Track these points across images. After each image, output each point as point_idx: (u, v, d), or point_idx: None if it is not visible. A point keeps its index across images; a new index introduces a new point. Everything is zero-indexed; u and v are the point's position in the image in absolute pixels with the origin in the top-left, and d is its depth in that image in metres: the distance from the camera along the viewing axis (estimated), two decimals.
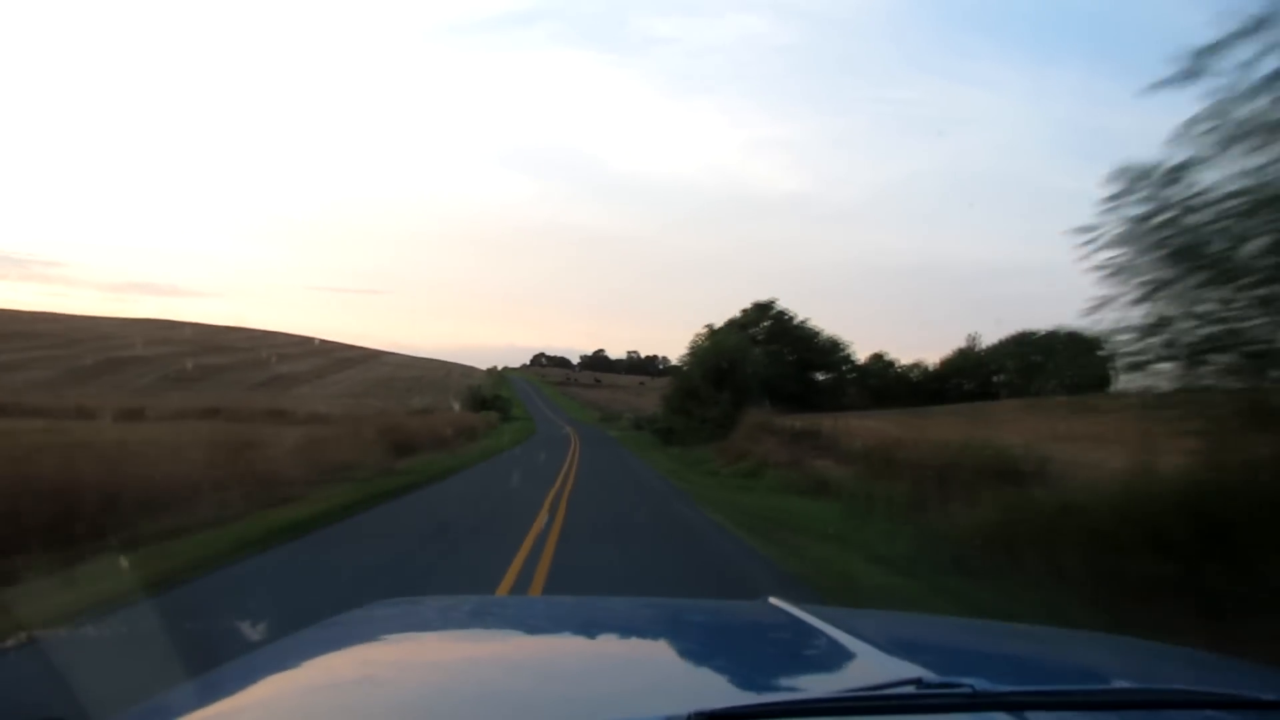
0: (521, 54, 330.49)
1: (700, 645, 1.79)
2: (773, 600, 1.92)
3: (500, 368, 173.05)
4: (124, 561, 6.99)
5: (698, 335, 39.76)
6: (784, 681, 1.52)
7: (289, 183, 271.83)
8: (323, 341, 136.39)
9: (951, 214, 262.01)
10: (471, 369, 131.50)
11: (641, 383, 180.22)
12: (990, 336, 68.95)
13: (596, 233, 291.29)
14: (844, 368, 63.70)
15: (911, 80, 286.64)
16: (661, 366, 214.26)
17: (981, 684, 1.05)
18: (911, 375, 69.13)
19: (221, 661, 1.44)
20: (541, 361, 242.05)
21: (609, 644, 1.84)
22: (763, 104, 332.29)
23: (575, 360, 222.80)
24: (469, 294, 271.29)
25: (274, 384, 77.56)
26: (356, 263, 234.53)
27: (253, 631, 4.72)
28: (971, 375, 65.76)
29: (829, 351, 61.34)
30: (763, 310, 56.16)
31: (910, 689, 1.07)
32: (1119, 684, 1.39)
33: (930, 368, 69.67)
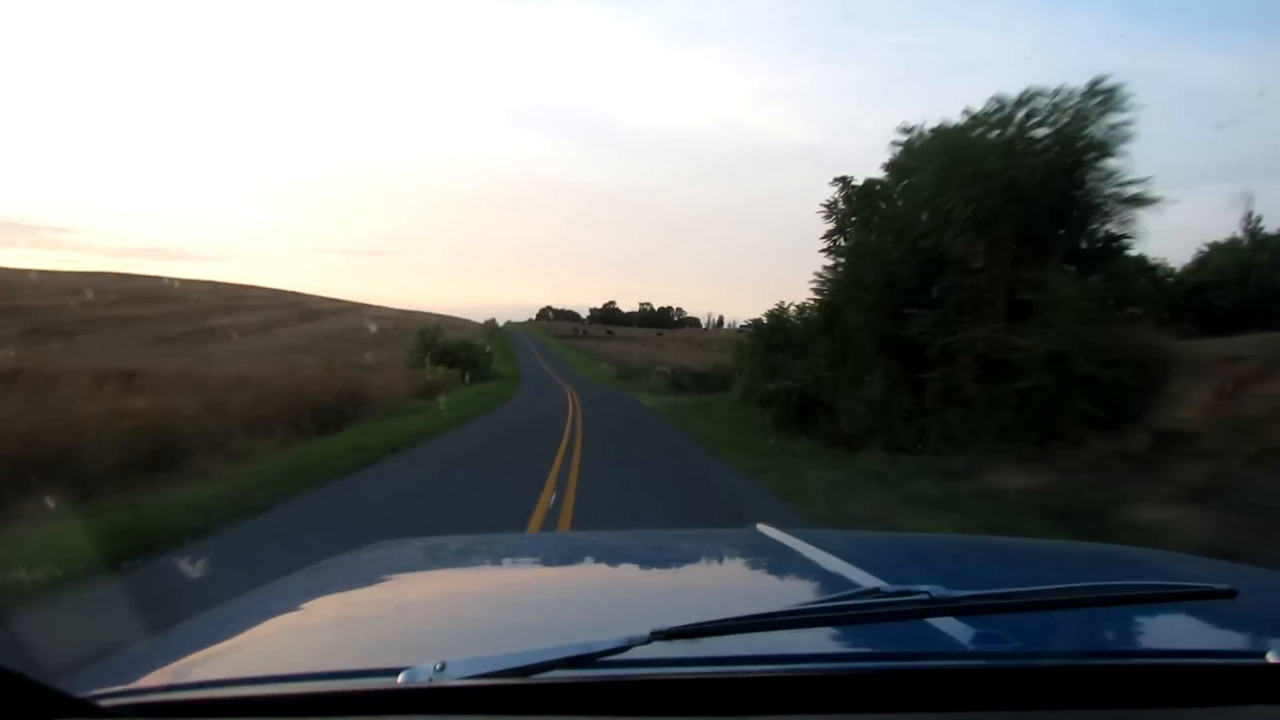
0: (527, 8, 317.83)
1: (684, 571, 1.90)
2: (760, 527, 1.96)
3: (505, 322, 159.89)
4: None
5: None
6: (750, 600, 1.55)
7: (297, 145, 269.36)
8: (295, 294, 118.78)
9: None
10: (466, 322, 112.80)
11: (659, 334, 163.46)
12: None
13: (605, 188, 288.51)
14: None
15: (920, 26, 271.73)
16: (676, 318, 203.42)
17: (938, 590, 1.05)
18: None
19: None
20: (548, 315, 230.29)
21: (590, 575, 1.86)
22: (771, 53, 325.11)
23: (585, 314, 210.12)
24: (478, 253, 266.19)
25: (191, 338, 59.86)
26: (365, 224, 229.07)
27: None
28: None
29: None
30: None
31: (869, 599, 1.09)
32: (1069, 583, 1.36)
33: None
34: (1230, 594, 1.10)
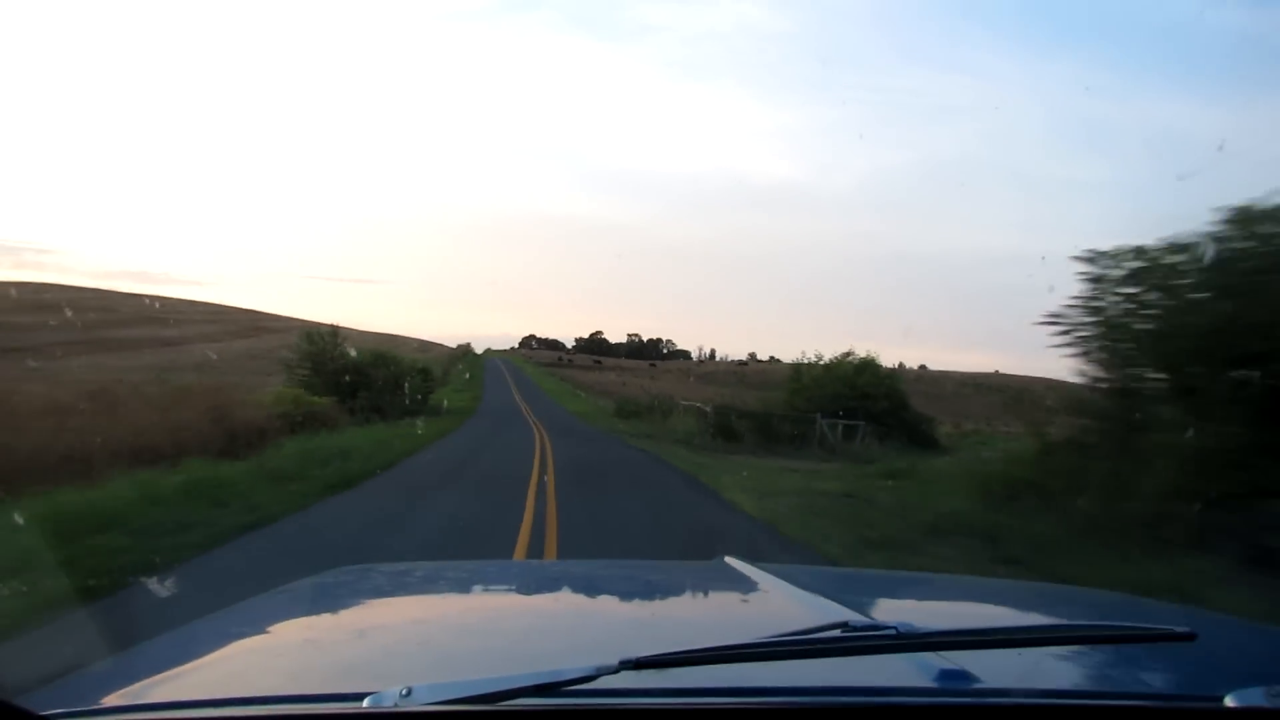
0: (515, 42, 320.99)
1: (650, 602, 1.89)
2: (728, 559, 1.95)
3: (484, 349, 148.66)
4: None
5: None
6: (718, 631, 1.55)
7: (285, 171, 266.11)
8: (253, 312, 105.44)
9: (944, 202, 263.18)
10: (440, 346, 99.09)
11: (652, 364, 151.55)
12: None
13: (590, 221, 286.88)
14: None
15: (899, 70, 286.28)
16: (666, 350, 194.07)
17: (906, 626, 1.06)
18: None
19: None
20: (531, 344, 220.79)
21: (558, 603, 1.83)
22: (758, 92, 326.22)
23: (570, 344, 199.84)
24: (462, 283, 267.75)
25: (73, 348, 46.56)
26: (351, 253, 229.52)
27: None
28: None
29: None
30: None
31: (836, 633, 1.09)
32: (1035, 622, 1.44)
33: None
34: (1189, 637, 1.13)
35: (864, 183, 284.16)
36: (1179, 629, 1.13)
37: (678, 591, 1.98)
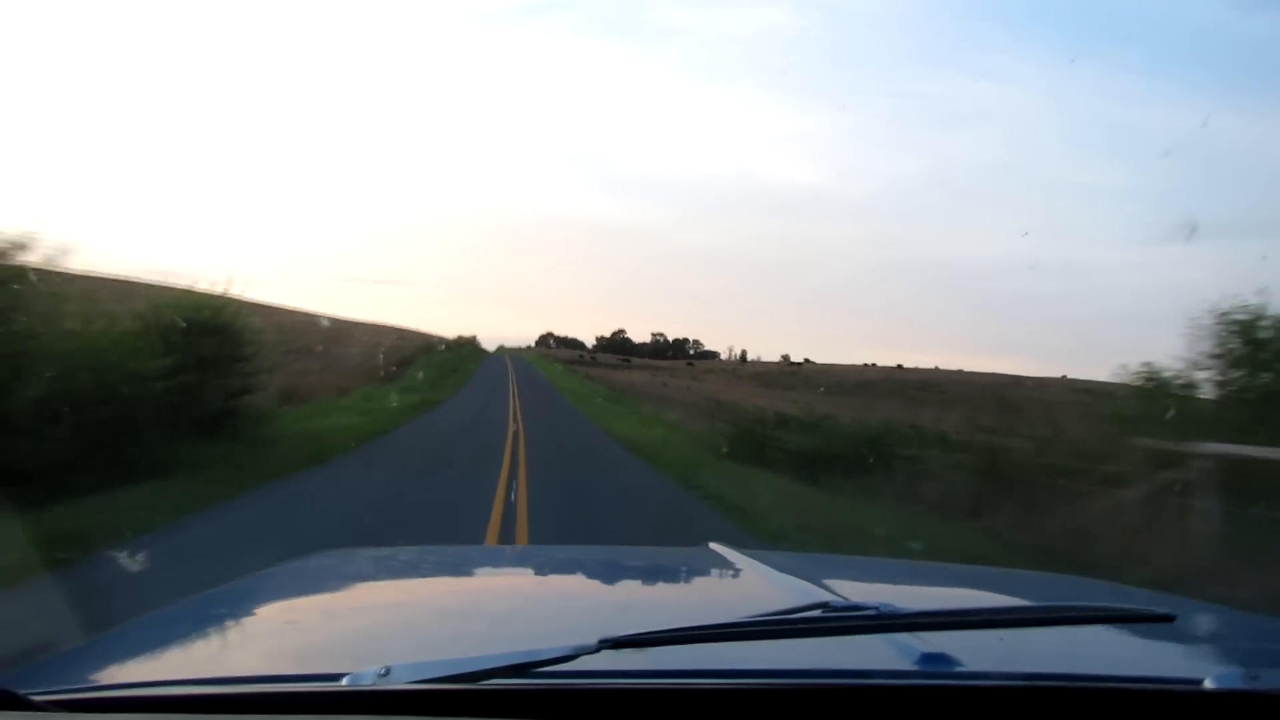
0: (535, 45, 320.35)
1: (633, 585, 1.92)
2: (712, 545, 1.95)
3: (497, 347, 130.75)
4: None
5: None
6: (698, 613, 1.55)
7: (306, 172, 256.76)
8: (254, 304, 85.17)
9: (966, 208, 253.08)
10: (423, 335, 78.94)
11: (689, 363, 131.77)
12: None
13: (610, 223, 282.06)
14: None
15: (925, 75, 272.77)
16: (694, 350, 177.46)
17: (887, 607, 1.07)
18: None
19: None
20: (549, 343, 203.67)
21: (540, 587, 1.85)
22: (780, 96, 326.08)
23: (590, 343, 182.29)
24: (481, 284, 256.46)
25: None
26: (376, 254, 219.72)
27: None
28: None
29: None
30: None
31: (816, 613, 1.10)
32: (1015, 604, 1.46)
33: None
34: (1168, 619, 1.17)
35: (884, 187, 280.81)
36: (1158, 610, 1.18)
37: (660, 575, 1.98)
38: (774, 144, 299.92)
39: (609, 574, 1.97)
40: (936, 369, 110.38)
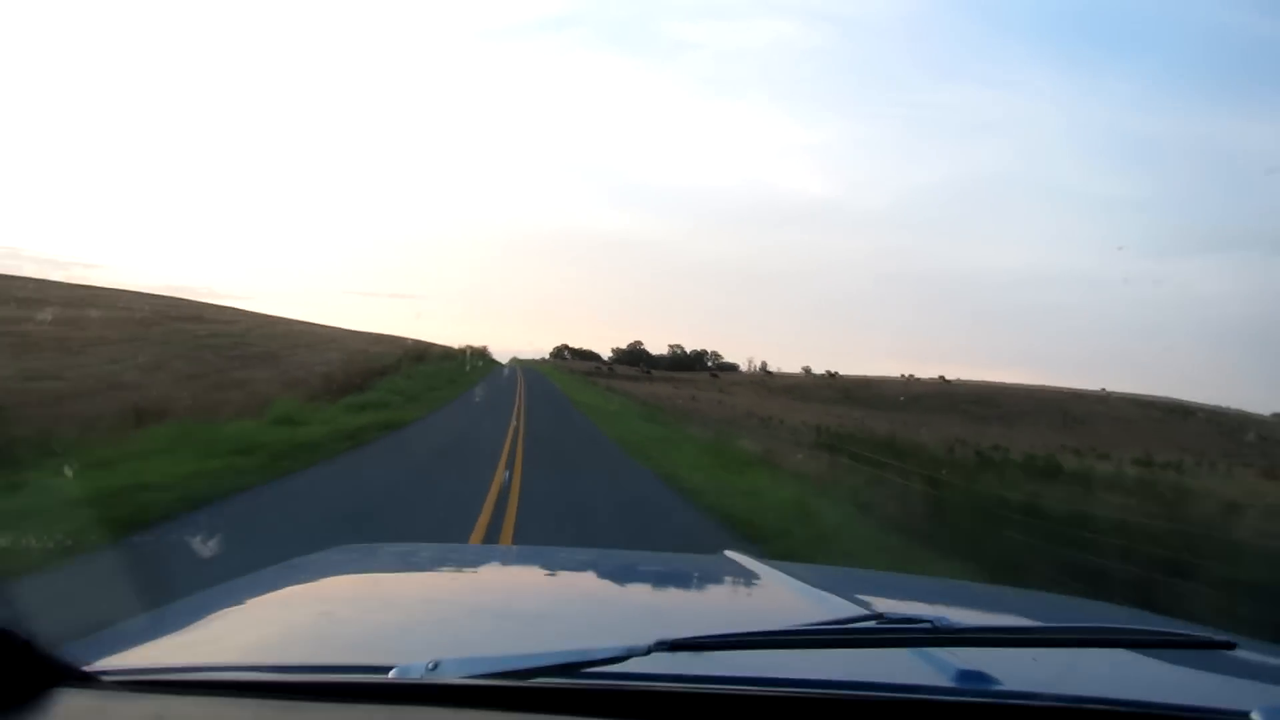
0: (550, 60, 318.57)
1: (661, 589, 1.88)
2: (728, 553, 1.94)
3: (510, 359, 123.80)
4: None
5: None
6: (740, 619, 1.57)
7: (325, 188, 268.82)
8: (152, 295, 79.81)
9: (981, 219, 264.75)
10: (425, 344, 70.74)
11: (714, 375, 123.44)
12: None
13: (624, 236, 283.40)
14: None
15: (937, 86, 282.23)
16: (712, 363, 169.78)
17: (941, 621, 1.05)
18: None
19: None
20: (564, 355, 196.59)
21: (568, 588, 1.82)
22: (791, 109, 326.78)
23: (606, 355, 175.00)
24: (494, 297, 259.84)
25: None
26: (389, 268, 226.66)
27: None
28: None
29: None
30: None
31: (872, 623, 1.09)
32: (1064, 624, 1.40)
33: None
34: (1229, 645, 1.13)
35: (898, 199, 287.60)
36: (1218, 637, 1.15)
37: (689, 580, 1.95)
38: (787, 156, 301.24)
39: (634, 578, 1.97)
40: (986, 382, 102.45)
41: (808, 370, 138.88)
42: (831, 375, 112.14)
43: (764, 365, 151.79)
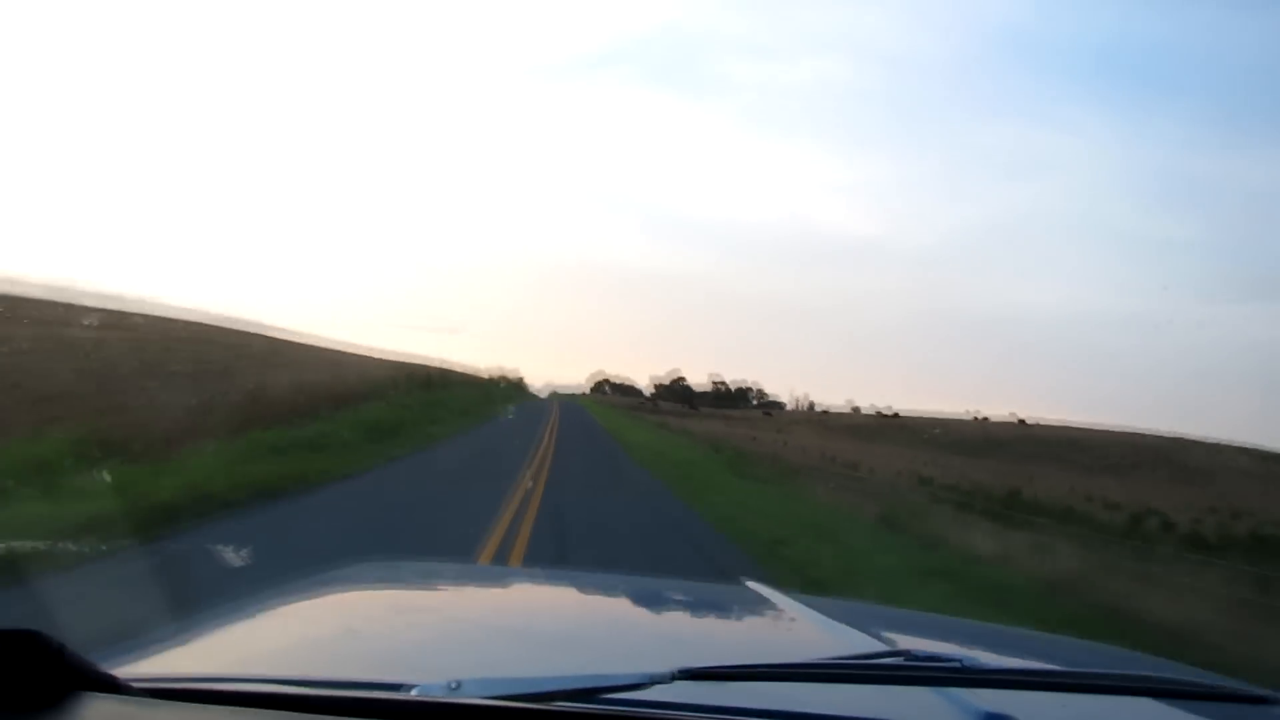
0: (593, 96, 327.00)
1: (681, 616, 1.88)
2: (748, 583, 1.93)
3: (550, 392, 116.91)
4: None
5: None
6: (768, 650, 1.55)
7: (367, 223, 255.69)
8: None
9: (1031, 260, 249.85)
10: (448, 371, 62.63)
11: (767, 413, 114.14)
12: None
13: (666, 270, 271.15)
14: None
15: (989, 124, 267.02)
16: (756, 400, 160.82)
17: (970, 660, 1.04)
18: None
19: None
20: (604, 389, 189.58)
21: (589, 611, 1.82)
22: (835, 146, 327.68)
23: (647, 390, 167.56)
24: (537, 330, 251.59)
25: None
26: (436, 302, 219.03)
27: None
28: None
29: None
30: None
31: (899, 660, 1.07)
32: (1110, 669, 1.38)
33: None
34: (1266, 700, 1.09)
35: (943, 238, 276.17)
36: (1256, 691, 1.11)
37: (710, 609, 1.94)
38: (830, 193, 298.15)
39: (654, 603, 1.94)
40: (1068, 425, 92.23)
41: (856, 408, 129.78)
42: (892, 415, 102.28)
43: (810, 402, 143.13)
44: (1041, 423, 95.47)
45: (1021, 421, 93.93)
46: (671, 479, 15.65)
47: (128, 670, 0.96)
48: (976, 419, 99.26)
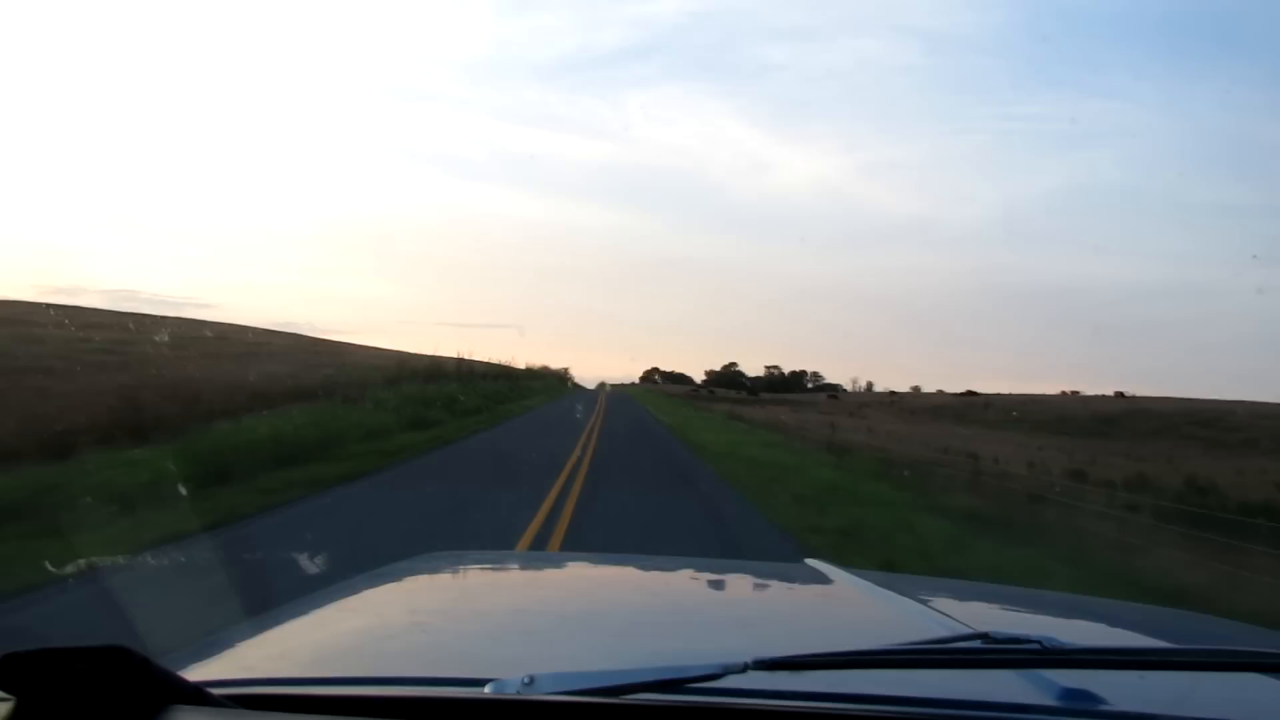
0: (634, 89, 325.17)
1: (748, 600, 1.82)
2: (810, 561, 1.93)
3: (599, 383, 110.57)
4: None
5: None
6: (841, 633, 1.49)
7: (419, 223, 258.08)
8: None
9: (1085, 232, 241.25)
10: (469, 362, 55.77)
11: (832, 396, 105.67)
12: None
13: (713, 262, 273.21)
14: None
15: (1036, 96, 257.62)
16: (811, 384, 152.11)
17: (1051, 641, 0.99)
18: None
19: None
20: (655, 379, 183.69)
21: (655, 598, 1.77)
22: (880, 126, 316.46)
23: (698, 378, 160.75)
24: (586, 326, 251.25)
25: None
26: (483, 300, 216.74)
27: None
28: None
29: None
30: None
31: (977, 643, 1.04)
32: (1193, 646, 1.31)
33: None
34: None
35: (994, 214, 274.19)
36: None
37: (777, 591, 1.90)
38: (876, 173, 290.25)
39: (719, 587, 1.91)
40: (1189, 398, 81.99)
41: (916, 388, 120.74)
42: (972, 394, 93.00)
43: (869, 385, 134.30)
44: (1141, 395, 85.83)
45: (1120, 395, 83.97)
46: (820, 531, 8.11)
47: (207, 673, 0.97)
48: (1067, 394, 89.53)
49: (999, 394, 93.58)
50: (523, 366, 61.17)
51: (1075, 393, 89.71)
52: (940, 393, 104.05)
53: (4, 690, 0.81)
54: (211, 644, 1.21)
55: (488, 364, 47.31)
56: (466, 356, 38.35)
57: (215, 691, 0.91)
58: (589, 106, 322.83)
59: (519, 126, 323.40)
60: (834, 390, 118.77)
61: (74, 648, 0.80)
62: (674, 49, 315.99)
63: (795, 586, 1.87)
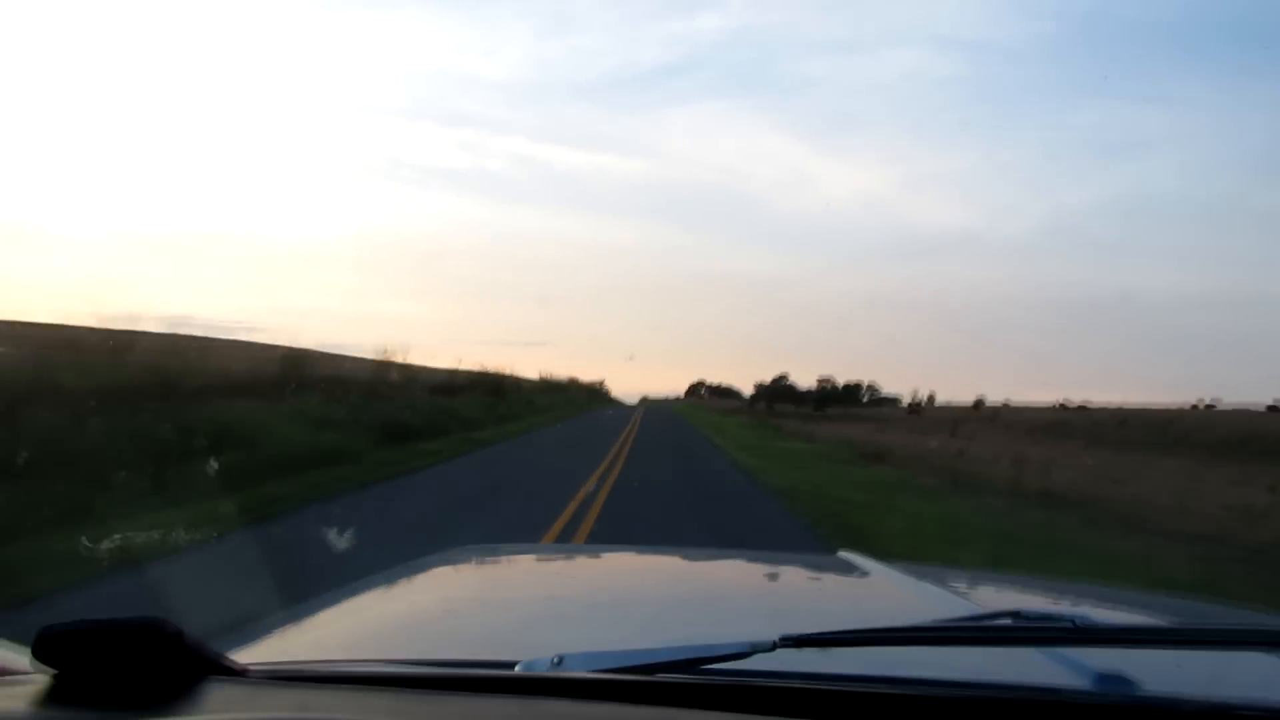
0: (674, 106, 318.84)
1: (779, 587, 1.85)
2: (842, 554, 1.92)
3: (640, 398, 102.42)
4: None
5: None
6: (871, 615, 1.50)
7: (463, 244, 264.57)
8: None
9: (1137, 241, 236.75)
10: (461, 372, 47.98)
11: (913, 411, 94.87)
12: None
13: (758, 276, 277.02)
14: None
15: (1085, 104, 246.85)
16: (867, 397, 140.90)
17: (1083, 619, 0.99)
18: None
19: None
20: (700, 392, 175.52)
21: (686, 586, 1.82)
22: (923, 138, 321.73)
23: (747, 392, 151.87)
24: (626, 342, 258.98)
25: None
26: (521, 318, 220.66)
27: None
28: None
29: None
30: None
31: (1008, 621, 1.05)
32: (1227, 625, 1.32)
33: None
34: None
35: (1040, 224, 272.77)
36: None
37: (807, 578, 1.89)
38: (920, 185, 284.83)
39: (751, 576, 1.95)
40: None
41: (980, 400, 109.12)
42: (1077, 407, 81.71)
43: (931, 397, 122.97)
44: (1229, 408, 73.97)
45: (1272, 409, 71.78)
46: None
47: (245, 656, 0.98)
48: (1198, 407, 77.85)
49: (1101, 405, 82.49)
50: (536, 378, 57.56)
51: (1210, 405, 77.75)
52: (1031, 407, 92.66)
53: (45, 664, 0.82)
54: (247, 631, 1.23)
55: (518, 379, 47.08)
56: (507, 372, 41.11)
57: (252, 669, 0.92)
58: (629, 124, 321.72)
59: (559, 147, 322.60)
60: (914, 405, 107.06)
61: (108, 621, 0.82)
62: (713, 65, 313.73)
63: (828, 574, 1.86)
